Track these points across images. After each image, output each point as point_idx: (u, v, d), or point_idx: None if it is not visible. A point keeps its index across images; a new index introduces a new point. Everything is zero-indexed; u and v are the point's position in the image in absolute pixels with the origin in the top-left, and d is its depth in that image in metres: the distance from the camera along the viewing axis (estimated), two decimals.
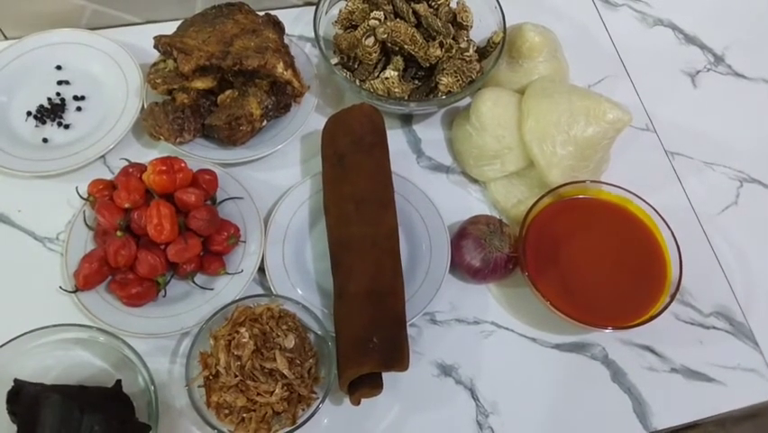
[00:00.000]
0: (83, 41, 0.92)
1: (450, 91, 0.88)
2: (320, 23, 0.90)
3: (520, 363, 0.80)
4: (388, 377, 0.73)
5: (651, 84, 1.02)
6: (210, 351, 0.72)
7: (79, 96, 0.90)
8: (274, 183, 0.87)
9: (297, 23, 0.99)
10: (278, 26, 0.91)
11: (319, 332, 0.75)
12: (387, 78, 0.88)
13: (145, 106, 0.86)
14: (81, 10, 0.93)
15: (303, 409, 0.71)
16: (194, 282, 0.78)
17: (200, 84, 0.84)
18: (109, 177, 0.83)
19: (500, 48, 0.90)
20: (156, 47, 0.85)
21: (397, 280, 0.77)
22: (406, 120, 0.95)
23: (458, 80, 0.89)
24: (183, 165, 0.79)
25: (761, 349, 0.83)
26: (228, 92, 0.86)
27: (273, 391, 0.69)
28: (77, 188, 0.82)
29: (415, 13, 0.90)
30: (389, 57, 0.91)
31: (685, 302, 0.85)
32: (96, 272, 0.76)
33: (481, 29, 0.94)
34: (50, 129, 0.88)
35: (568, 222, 0.82)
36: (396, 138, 0.92)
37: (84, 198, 0.80)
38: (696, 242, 0.90)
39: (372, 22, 0.88)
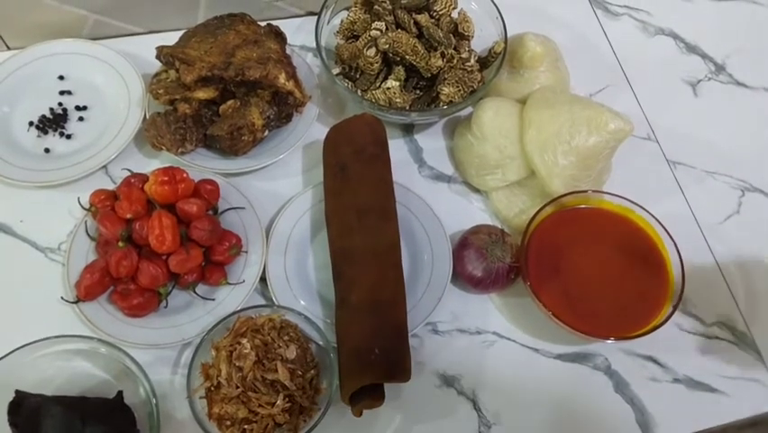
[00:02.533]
0: (85, 51, 0.93)
1: (451, 101, 0.89)
2: (322, 34, 0.91)
3: (522, 373, 0.80)
4: (389, 388, 0.73)
5: (652, 93, 1.02)
6: (211, 362, 0.72)
7: (81, 106, 0.91)
8: (276, 193, 0.87)
9: (298, 33, 1.00)
10: (279, 37, 0.91)
11: (321, 343, 0.75)
12: (388, 89, 0.88)
13: (147, 117, 0.86)
14: (83, 20, 0.94)
15: (305, 421, 0.71)
16: (195, 293, 0.78)
17: (202, 94, 0.85)
18: (111, 187, 0.83)
19: (501, 58, 0.90)
20: (158, 57, 0.85)
21: (399, 291, 0.77)
22: (408, 130, 0.95)
23: (459, 90, 0.89)
24: (185, 175, 0.79)
25: (763, 359, 0.83)
26: (230, 102, 0.86)
27: (275, 403, 0.69)
28: (78, 198, 0.82)
29: (416, 23, 0.90)
30: (391, 67, 0.91)
31: (687, 312, 0.85)
32: (97, 283, 0.76)
33: (483, 39, 0.94)
34: (52, 139, 0.88)
35: (570, 232, 0.82)
36: (397, 148, 0.92)
37: (86, 209, 0.80)
38: (698, 251, 0.90)
39: (374, 32, 0.88)
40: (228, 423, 0.70)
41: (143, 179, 0.80)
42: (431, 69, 0.89)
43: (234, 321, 0.74)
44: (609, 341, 0.76)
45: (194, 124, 0.85)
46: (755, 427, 0.85)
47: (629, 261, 0.81)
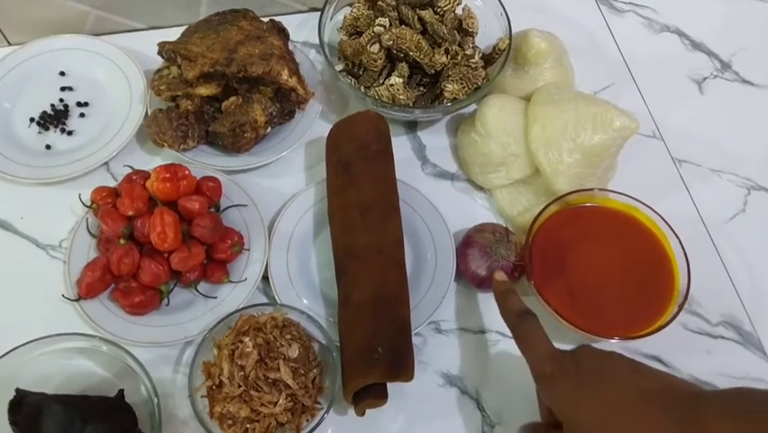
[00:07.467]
0: (86, 47, 0.92)
1: (455, 98, 0.88)
2: (325, 30, 0.90)
3: (526, 373, 0.78)
4: (392, 387, 0.73)
5: (657, 91, 1.02)
6: (213, 360, 0.71)
7: (83, 102, 0.90)
8: (278, 190, 0.86)
9: (301, 29, 0.99)
10: (282, 33, 0.91)
11: (323, 341, 0.74)
12: (392, 85, 0.88)
13: (149, 113, 0.86)
14: (85, 16, 0.93)
15: (307, 420, 0.70)
16: (197, 291, 0.78)
17: (204, 90, 0.84)
18: (112, 184, 0.82)
19: (506, 54, 0.89)
20: (160, 53, 0.85)
21: (403, 289, 0.76)
22: (411, 127, 0.94)
23: (463, 87, 0.88)
24: (187, 172, 0.79)
25: None
26: (232, 99, 0.85)
27: (277, 402, 0.69)
28: (80, 195, 0.81)
29: (420, 19, 0.90)
30: (394, 63, 0.91)
31: (693, 312, 0.84)
32: (98, 280, 0.75)
33: (487, 35, 0.94)
34: (53, 135, 0.88)
35: (574, 230, 0.81)
36: (400, 145, 0.92)
37: (87, 206, 0.80)
38: (704, 250, 0.89)
39: (377, 28, 0.87)
40: (230, 422, 0.69)
41: (145, 175, 0.79)
42: (435, 66, 0.88)
43: (236, 319, 0.73)
44: (614, 340, 0.76)
45: (196, 121, 0.84)
46: None
47: (634, 259, 0.80)
